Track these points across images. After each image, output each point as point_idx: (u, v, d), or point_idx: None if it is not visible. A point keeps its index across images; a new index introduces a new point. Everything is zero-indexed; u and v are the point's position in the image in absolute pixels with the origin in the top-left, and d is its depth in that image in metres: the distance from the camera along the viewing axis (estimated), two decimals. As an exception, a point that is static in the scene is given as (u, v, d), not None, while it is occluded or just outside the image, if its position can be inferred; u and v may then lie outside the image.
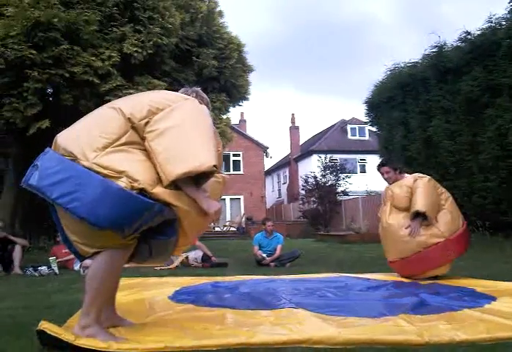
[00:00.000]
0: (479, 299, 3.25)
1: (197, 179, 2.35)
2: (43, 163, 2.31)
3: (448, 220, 4.47)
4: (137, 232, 2.26)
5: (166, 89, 9.27)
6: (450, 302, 3.16)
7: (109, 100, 9.48)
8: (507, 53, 8.74)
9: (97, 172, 2.19)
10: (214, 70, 10.32)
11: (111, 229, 2.18)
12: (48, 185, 2.23)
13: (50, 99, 9.20)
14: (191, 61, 10.16)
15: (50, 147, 2.39)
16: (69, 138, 2.37)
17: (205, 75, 10.28)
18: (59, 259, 6.34)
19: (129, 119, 2.36)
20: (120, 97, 8.94)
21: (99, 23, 8.44)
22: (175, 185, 2.27)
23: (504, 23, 9.19)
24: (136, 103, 2.48)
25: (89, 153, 2.25)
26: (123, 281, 4.66)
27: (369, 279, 4.63)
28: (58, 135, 2.42)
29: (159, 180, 2.26)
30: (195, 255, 6.88)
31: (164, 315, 2.92)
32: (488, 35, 9.29)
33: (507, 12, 9.15)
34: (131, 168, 2.23)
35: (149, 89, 8.76)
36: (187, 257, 6.84)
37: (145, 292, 3.87)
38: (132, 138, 2.34)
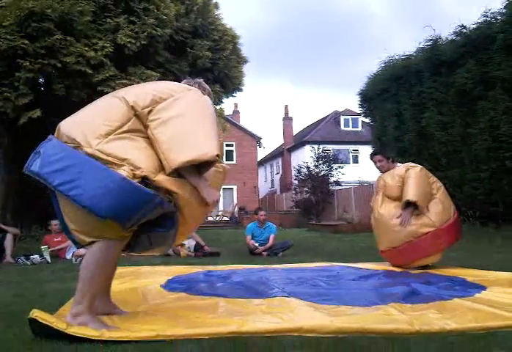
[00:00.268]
0: (469, 289, 3.28)
1: (199, 168, 2.38)
2: (46, 151, 2.32)
3: (439, 210, 4.46)
4: (137, 224, 2.28)
5: (160, 80, 9.25)
6: (441, 291, 3.19)
7: (102, 91, 9.50)
8: (502, 46, 8.79)
9: (100, 159, 2.22)
10: (208, 61, 10.28)
11: (112, 219, 2.20)
12: (50, 172, 2.24)
13: (42, 89, 9.13)
14: (185, 52, 10.11)
15: (46, 136, 2.39)
16: (72, 125, 2.39)
17: (199, 67, 10.24)
18: (51, 249, 6.33)
19: (132, 107, 2.38)
20: (113, 87, 8.91)
21: (93, 14, 8.38)
22: (178, 173, 2.31)
23: (499, 17, 9.24)
24: (139, 92, 2.52)
25: (92, 140, 2.27)
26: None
27: (360, 268, 4.66)
28: (61, 122, 2.43)
29: (161, 168, 2.30)
30: (188, 244, 6.89)
31: (157, 304, 2.93)
32: (484, 29, 9.33)
33: (503, 6, 9.21)
34: (133, 155, 2.27)
35: (142, 80, 8.71)
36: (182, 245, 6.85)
37: (138, 281, 3.88)
38: (135, 126, 2.37)
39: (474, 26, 9.71)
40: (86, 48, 8.16)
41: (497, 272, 4.04)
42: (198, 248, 6.87)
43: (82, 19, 8.10)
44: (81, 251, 6.19)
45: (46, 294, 3.34)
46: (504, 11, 9.13)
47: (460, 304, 2.79)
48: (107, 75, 8.41)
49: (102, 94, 9.32)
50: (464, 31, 9.93)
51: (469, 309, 2.63)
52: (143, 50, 8.97)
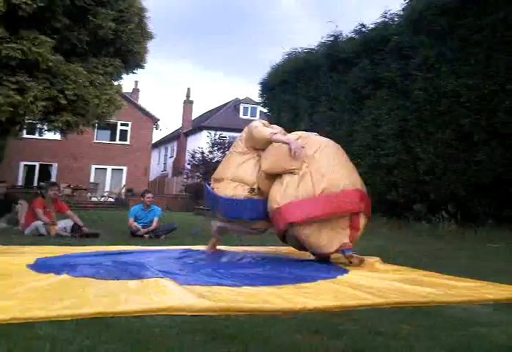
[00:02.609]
0: (332, 271, 3.56)
1: None
2: None
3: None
4: None
5: (54, 47, 8.47)
6: (305, 273, 3.42)
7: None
8: (394, 48, 9.12)
9: None
10: (110, 33, 9.66)
11: None
12: None
13: None
14: (86, 20, 9.37)
15: None
16: None
17: (100, 37, 9.57)
18: None
19: None
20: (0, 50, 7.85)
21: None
22: None
23: (396, 19, 9.52)
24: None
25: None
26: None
27: (237, 251, 4.79)
28: None
29: None
30: (64, 225, 6.48)
31: (20, 284, 2.73)
32: (380, 30, 9.62)
33: (401, 8, 9.40)
34: None
35: (34, 45, 7.97)
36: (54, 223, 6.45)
37: (2, 259, 3.64)
38: None
39: (372, 26, 9.97)
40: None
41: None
42: (76, 228, 6.44)
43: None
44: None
45: None
46: (402, 13, 9.34)
47: (323, 285, 2.99)
48: (-5, 37, 7.57)
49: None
50: (363, 30, 10.20)
51: (331, 290, 2.83)
52: (39, 13, 8.15)
